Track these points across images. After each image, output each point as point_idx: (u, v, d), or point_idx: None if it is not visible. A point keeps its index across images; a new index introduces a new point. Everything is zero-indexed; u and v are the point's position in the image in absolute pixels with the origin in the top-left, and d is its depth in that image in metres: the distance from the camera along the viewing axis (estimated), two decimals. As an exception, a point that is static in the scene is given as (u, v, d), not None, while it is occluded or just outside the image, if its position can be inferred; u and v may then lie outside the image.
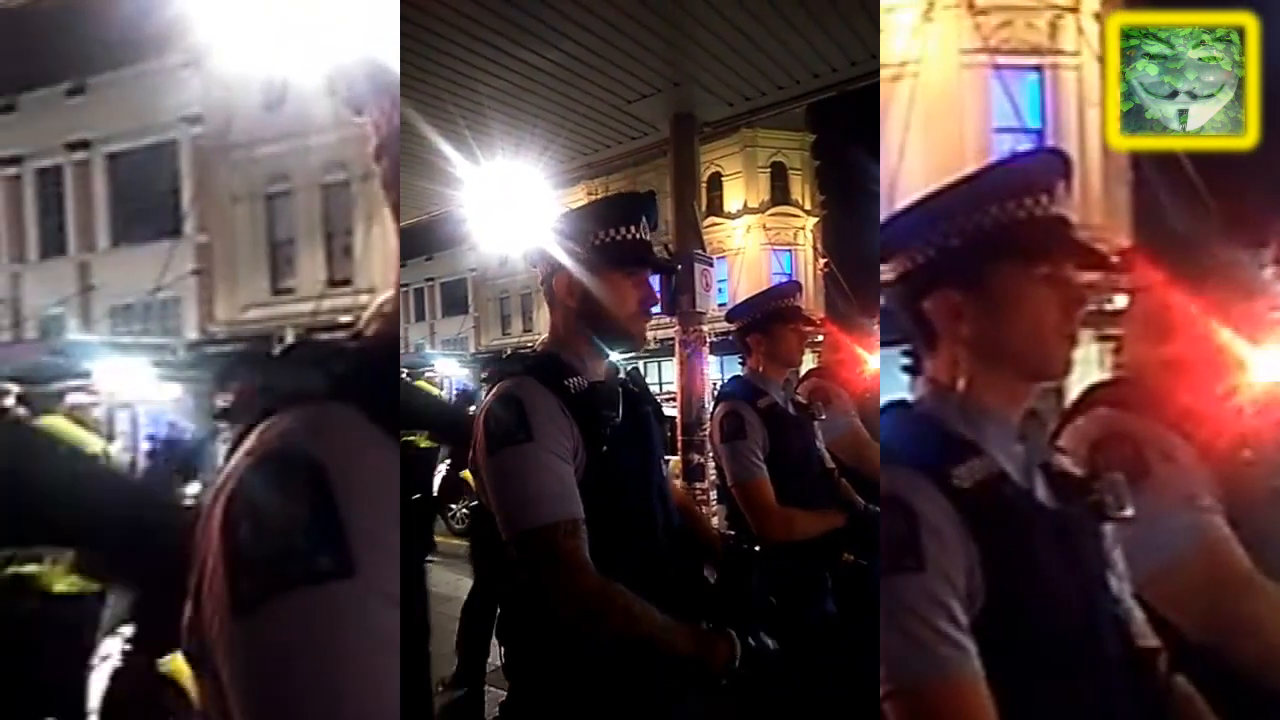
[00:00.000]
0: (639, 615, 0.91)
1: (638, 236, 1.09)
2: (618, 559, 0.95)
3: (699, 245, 3.71)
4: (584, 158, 4.21)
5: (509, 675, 1.03)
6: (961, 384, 0.70)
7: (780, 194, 15.40)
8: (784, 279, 3.09)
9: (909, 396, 0.75)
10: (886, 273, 0.76)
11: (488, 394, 1.05)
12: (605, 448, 1.00)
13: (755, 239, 15.11)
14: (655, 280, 1.22)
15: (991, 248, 0.68)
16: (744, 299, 1.87)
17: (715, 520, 2.37)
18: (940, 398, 0.71)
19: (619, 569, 0.94)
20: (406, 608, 0.40)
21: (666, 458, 1.23)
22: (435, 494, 2.93)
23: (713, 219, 14.57)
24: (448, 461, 2.91)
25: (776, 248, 15.24)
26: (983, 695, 0.57)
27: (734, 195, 15.32)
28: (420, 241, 19.75)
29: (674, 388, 3.76)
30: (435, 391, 2.71)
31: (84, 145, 11.06)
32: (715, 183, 15.11)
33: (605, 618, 0.91)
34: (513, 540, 0.94)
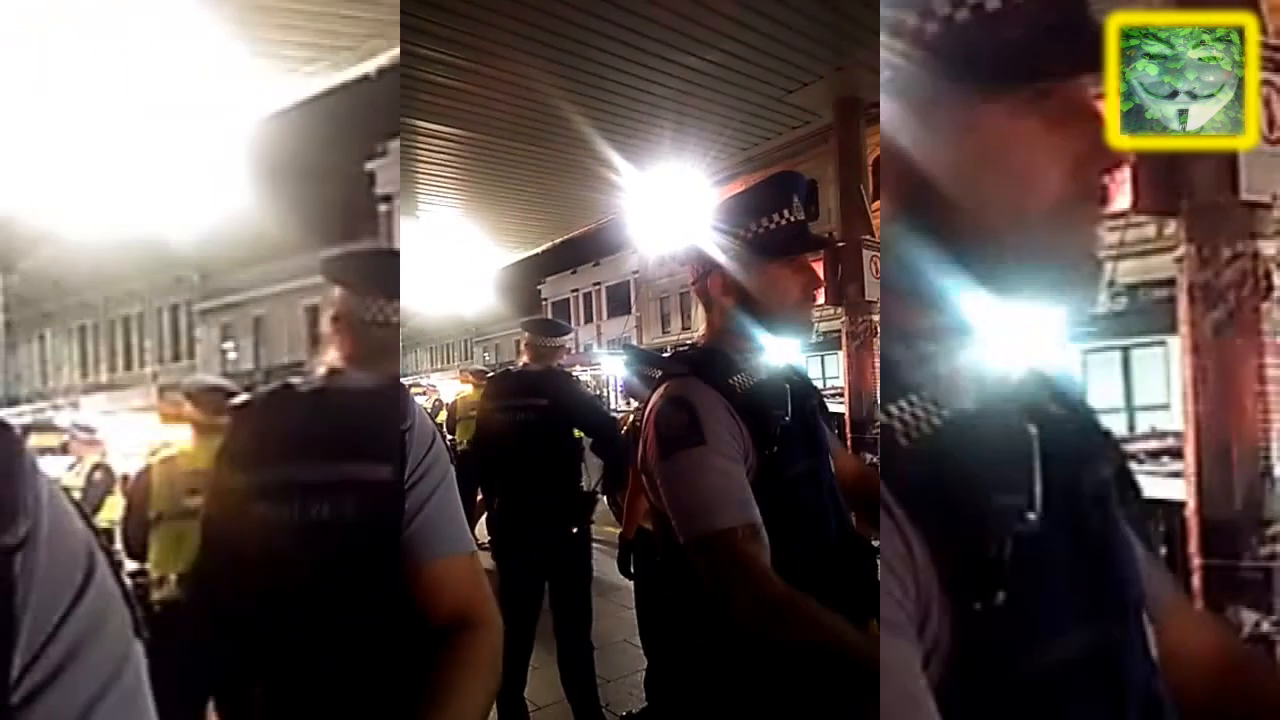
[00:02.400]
0: (825, 624, 0.87)
1: (791, 220, 1.03)
2: (789, 561, 0.93)
3: (867, 230, 3.51)
4: (743, 153, 4.21)
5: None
6: None
7: (959, 170, 13.83)
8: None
9: None
10: None
11: (655, 395, 1.06)
12: (775, 448, 0.98)
13: (930, 222, 13.76)
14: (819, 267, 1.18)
15: None
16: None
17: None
18: None
19: (791, 571, 0.92)
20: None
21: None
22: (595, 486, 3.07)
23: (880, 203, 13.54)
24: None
25: (955, 230, 13.72)
26: None
27: (904, 176, 14.09)
28: (589, 248, 21.10)
29: (841, 383, 3.60)
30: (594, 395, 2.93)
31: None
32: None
33: (789, 625, 0.89)
34: (691, 544, 0.94)
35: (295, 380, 0.94)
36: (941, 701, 0.41)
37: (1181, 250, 1.84)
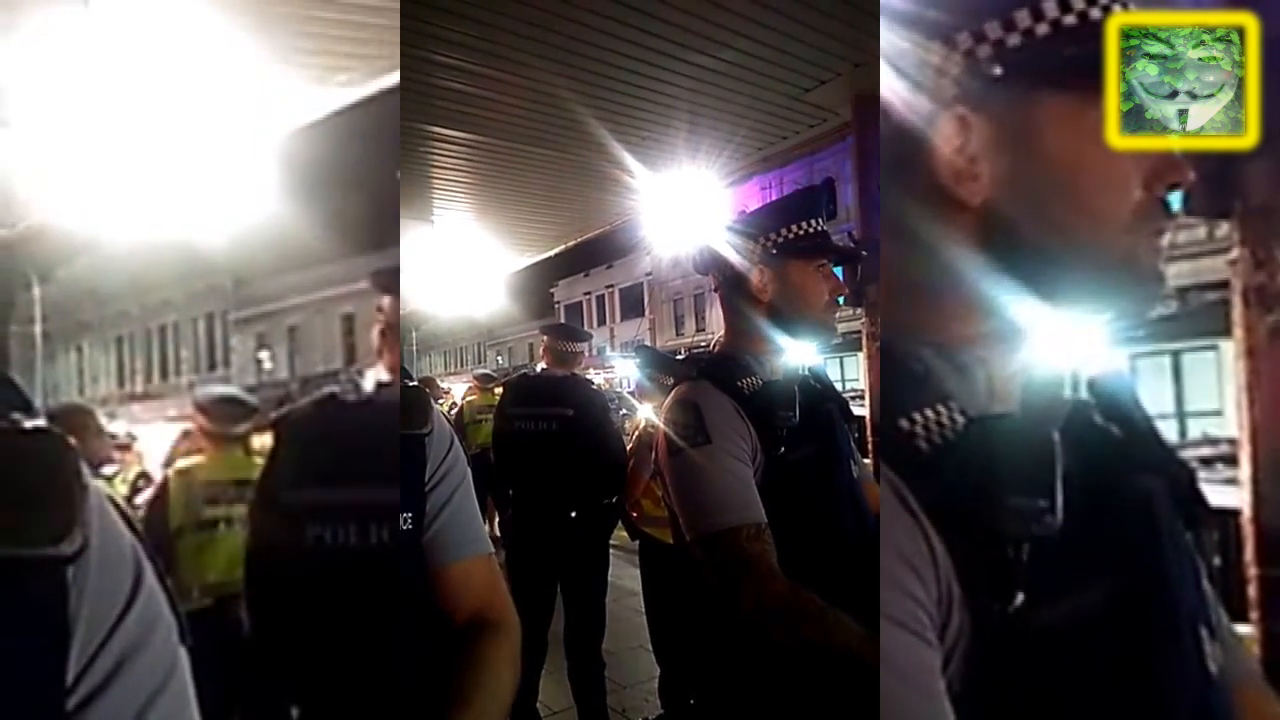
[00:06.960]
0: (832, 623, 0.87)
1: (817, 228, 1.09)
2: (802, 563, 0.93)
3: (887, 231, 3.44)
4: (759, 152, 4.17)
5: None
6: None
7: (982, 164, 13.57)
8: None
9: None
10: None
11: (668, 398, 1.10)
12: (782, 449, 0.99)
13: (952, 218, 13.55)
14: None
15: None
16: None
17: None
18: None
19: (804, 574, 0.92)
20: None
21: (864, 459, 1.18)
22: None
23: (900, 201, 13.33)
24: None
25: (979, 225, 13.48)
26: None
27: (925, 172, 13.90)
28: (602, 251, 21.18)
29: (861, 385, 3.53)
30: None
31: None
32: (902, 161, 13.84)
33: (795, 624, 0.89)
34: (696, 542, 0.96)
35: (339, 390, 0.95)
36: (959, 703, 0.41)
37: (1235, 253, 1.83)
